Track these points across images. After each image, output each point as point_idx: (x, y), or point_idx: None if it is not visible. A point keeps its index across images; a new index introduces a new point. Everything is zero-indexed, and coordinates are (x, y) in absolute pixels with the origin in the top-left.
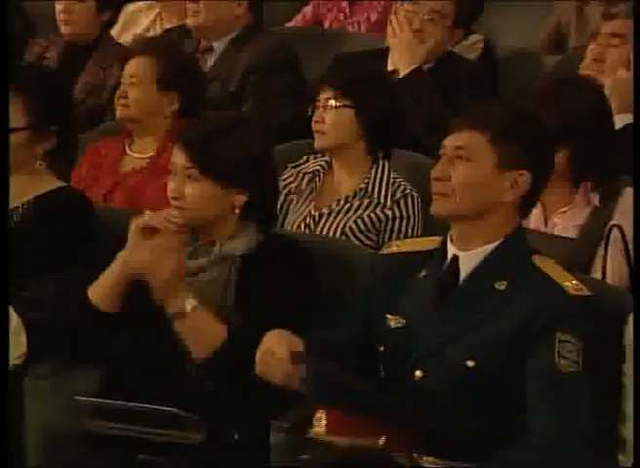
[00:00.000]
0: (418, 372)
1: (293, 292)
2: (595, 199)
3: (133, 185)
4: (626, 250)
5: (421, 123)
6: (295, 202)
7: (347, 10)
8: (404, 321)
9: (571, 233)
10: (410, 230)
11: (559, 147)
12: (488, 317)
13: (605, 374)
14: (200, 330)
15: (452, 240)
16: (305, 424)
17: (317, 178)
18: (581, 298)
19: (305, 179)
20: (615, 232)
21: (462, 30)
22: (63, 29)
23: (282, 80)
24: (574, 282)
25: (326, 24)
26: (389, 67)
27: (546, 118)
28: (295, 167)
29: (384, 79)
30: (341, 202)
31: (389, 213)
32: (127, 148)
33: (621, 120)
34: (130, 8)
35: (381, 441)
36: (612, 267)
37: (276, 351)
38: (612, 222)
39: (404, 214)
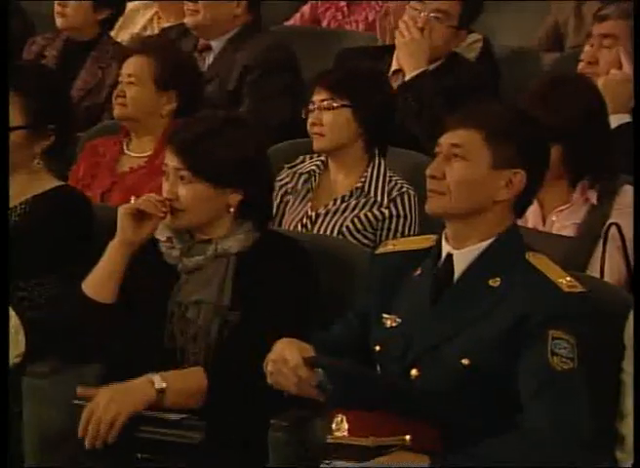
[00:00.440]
0: (413, 371)
1: (290, 290)
2: (593, 197)
3: (130, 185)
4: (624, 248)
5: (422, 125)
6: (291, 202)
7: (345, 9)
8: (400, 320)
9: (569, 231)
10: (407, 229)
11: (554, 145)
12: (482, 315)
13: (603, 372)
14: (181, 396)
15: (446, 238)
16: (304, 426)
17: (313, 178)
18: (575, 295)
19: (301, 180)
20: (613, 230)
21: (466, 31)
22: (58, 23)
23: (280, 79)
24: (567, 278)
25: (324, 24)
26: (393, 66)
27: (541, 116)
28: (291, 167)
29: (379, 75)
30: (338, 201)
31: (386, 211)
32: (125, 147)
33: (615, 120)
34: (127, 7)
35: (408, 438)
36: (610, 265)
37: (288, 359)
38: (610, 221)
39: (401, 212)
